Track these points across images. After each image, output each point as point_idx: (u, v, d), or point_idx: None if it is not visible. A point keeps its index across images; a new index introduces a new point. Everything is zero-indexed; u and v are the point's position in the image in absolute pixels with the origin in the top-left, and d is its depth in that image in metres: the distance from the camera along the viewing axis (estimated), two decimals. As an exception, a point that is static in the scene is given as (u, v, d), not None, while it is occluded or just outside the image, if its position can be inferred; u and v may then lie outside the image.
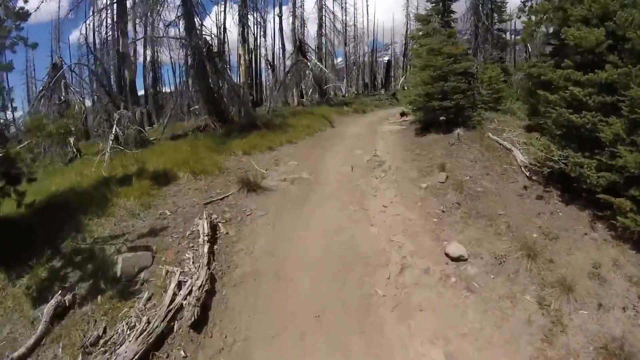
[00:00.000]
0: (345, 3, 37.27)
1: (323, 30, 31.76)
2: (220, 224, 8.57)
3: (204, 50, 16.87)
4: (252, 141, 14.08)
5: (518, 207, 9.38)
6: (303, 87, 29.62)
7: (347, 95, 36.91)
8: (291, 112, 22.33)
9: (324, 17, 31.54)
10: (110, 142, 13.54)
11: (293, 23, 30.81)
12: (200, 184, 10.39)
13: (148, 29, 22.81)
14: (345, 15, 37.38)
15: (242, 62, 23.70)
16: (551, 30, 12.67)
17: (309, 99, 26.28)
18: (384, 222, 9.03)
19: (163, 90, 34.96)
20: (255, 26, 35.58)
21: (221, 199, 9.59)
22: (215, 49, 19.07)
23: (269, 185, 10.46)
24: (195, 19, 16.92)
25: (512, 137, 13.31)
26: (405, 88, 40.07)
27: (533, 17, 11.90)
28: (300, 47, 23.32)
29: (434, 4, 19.01)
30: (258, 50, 36.30)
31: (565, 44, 9.41)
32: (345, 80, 41.46)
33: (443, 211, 9.42)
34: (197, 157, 11.71)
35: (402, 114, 21.66)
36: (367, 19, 45.20)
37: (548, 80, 9.69)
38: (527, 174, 10.53)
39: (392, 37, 51.05)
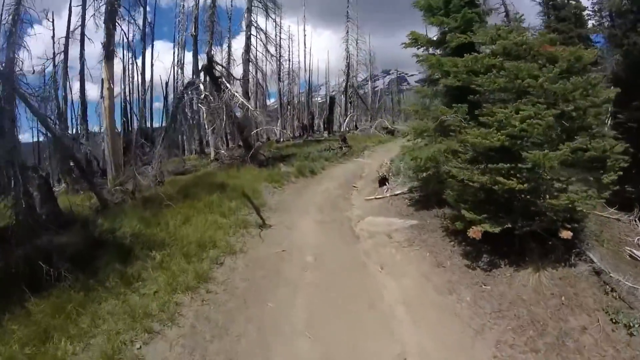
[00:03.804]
0: (281, 23, 27.00)
1: (251, 55, 21.03)
2: None
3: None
4: None
5: None
6: (229, 132, 18.62)
7: (282, 140, 26.18)
8: (187, 184, 11.03)
9: (251, 37, 20.84)
10: None
11: (210, 39, 19.83)
12: None
13: None
14: (280, 35, 26.95)
15: (105, 92, 12.21)
16: None
17: (227, 154, 15.22)
18: None
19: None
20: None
21: None
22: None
23: None
24: None
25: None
26: (352, 130, 30.23)
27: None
28: (209, 69, 12.40)
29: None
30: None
31: None
32: (279, 121, 30.80)
33: None
34: None
35: (383, 181, 11.19)
36: (305, 52, 35.24)
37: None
38: None
39: (328, 75, 41.37)
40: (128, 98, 22.33)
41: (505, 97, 5.67)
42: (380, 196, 10.29)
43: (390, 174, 11.82)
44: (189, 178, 12.36)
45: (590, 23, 11.75)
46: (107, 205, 9.32)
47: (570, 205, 4.82)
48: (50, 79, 16.09)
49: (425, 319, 5.00)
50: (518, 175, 4.96)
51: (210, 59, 12.90)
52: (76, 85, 17.43)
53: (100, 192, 9.60)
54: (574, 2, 12.47)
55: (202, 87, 11.27)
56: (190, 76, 20.25)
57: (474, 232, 5.41)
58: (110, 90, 12.12)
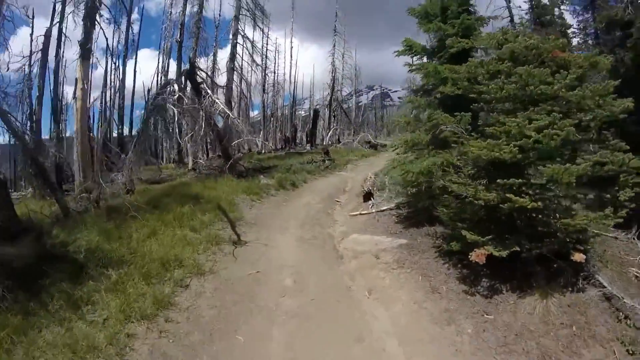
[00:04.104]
0: (268, 33, 26.54)
1: (236, 64, 20.32)
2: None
3: None
4: None
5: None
6: (209, 141, 17.75)
7: (263, 151, 25.45)
8: (159, 194, 10.14)
9: (237, 46, 20.16)
10: None
11: (195, 46, 19.03)
12: None
13: None
14: (267, 46, 26.50)
15: (78, 92, 11.35)
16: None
17: (206, 163, 14.32)
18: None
19: None
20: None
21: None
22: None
23: None
24: None
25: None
26: (335, 144, 29.64)
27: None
28: (191, 74, 11.61)
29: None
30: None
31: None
32: (262, 132, 30.07)
33: None
34: None
35: (368, 196, 10.54)
36: (291, 64, 34.70)
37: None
38: None
39: (312, 89, 41.03)
40: (109, 104, 21.44)
41: (511, 107, 5.08)
42: (366, 212, 9.61)
43: (375, 189, 11.19)
44: (163, 187, 11.45)
45: (574, 41, 11.52)
46: (69, 214, 8.39)
47: (586, 226, 4.21)
48: (24, 78, 14.95)
49: (421, 354, 4.28)
50: (530, 192, 4.33)
51: (193, 63, 12.15)
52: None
53: (61, 199, 8.63)
54: (559, 20, 12.30)
55: (176, 87, 10.36)
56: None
57: (478, 256, 4.75)
58: (84, 91, 11.18)
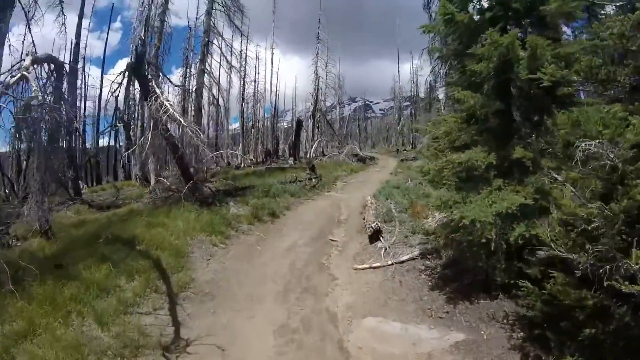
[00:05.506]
0: (248, 33, 23.66)
1: (206, 65, 17.18)
2: None
3: None
4: None
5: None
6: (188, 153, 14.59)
7: (242, 165, 22.36)
8: (84, 235, 6.89)
9: (210, 45, 17.08)
10: None
11: (158, 42, 15.76)
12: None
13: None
14: (246, 50, 23.56)
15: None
16: None
17: (169, 182, 10.87)
18: None
19: None
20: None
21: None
22: None
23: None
24: None
25: None
26: (319, 157, 26.69)
27: None
28: (137, 69, 8.48)
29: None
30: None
31: None
32: (240, 145, 26.88)
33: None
34: None
35: (376, 235, 7.65)
36: (272, 72, 31.56)
37: None
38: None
39: (294, 101, 38.72)
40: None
41: None
42: (378, 264, 6.58)
43: (380, 220, 8.26)
44: (100, 221, 8.20)
45: None
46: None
47: None
48: None
49: None
50: None
51: (140, 54, 9.00)
52: None
53: None
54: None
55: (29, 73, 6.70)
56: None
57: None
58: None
